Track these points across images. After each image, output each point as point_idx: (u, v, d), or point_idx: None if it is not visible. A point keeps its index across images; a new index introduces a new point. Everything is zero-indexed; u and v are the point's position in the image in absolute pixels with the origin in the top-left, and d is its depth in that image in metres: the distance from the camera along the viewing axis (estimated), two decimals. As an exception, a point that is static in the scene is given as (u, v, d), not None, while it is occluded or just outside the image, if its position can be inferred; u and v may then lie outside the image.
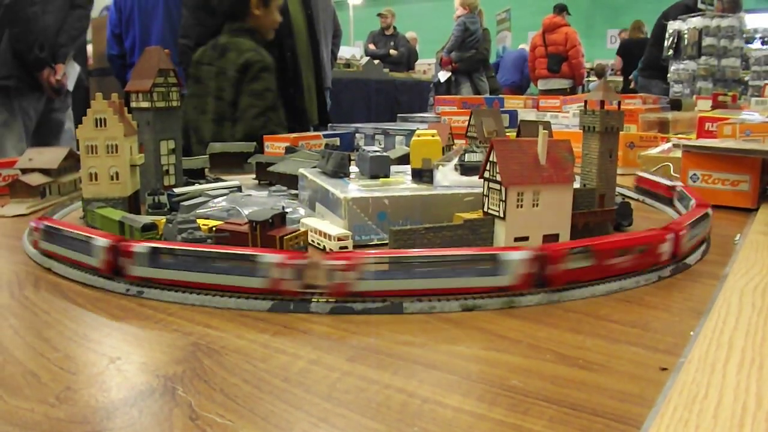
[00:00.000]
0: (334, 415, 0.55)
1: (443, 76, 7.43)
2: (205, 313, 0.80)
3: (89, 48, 5.25)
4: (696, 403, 0.53)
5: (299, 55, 3.07)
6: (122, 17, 3.88)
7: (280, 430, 0.53)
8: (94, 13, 4.78)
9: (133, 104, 1.39)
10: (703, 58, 4.38)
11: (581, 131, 1.09)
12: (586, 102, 1.06)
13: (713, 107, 3.01)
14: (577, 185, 1.05)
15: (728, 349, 0.65)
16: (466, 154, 1.24)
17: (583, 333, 0.73)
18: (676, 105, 3.41)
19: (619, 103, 1.04)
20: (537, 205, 0.97)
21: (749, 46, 4.41)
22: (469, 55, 7.36)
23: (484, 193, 1.00)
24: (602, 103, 1.02)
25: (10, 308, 0.82)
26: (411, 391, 0.59)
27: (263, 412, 0.56)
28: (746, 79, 4.38)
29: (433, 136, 1.28)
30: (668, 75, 4.72)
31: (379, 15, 9.24)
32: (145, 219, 1.04)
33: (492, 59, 8.04)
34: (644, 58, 5.65)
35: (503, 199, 0.95)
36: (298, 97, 3.04)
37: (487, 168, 0.98)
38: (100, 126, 1.17)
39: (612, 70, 9.46)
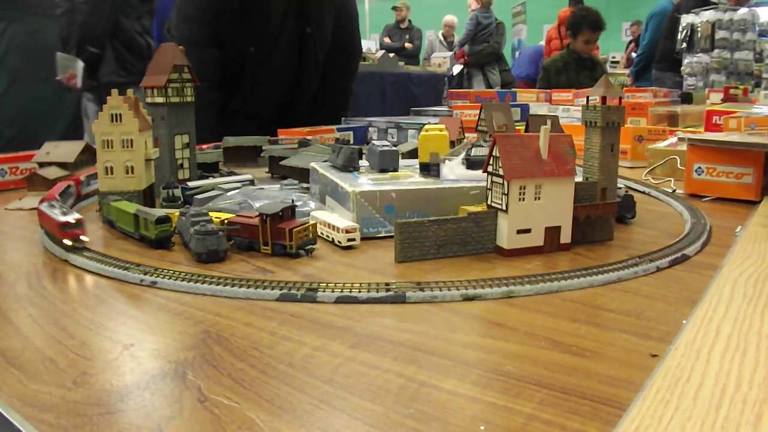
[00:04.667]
0: (334, 398, 0.58)
1: (456, 69, 7.47)
2: (216, 302, 0.83)
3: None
4: (678, 386, 0.55)
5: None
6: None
7: (284, 411, 0.56)
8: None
9: (148, 99, 1.42)
10: (716, 51, 4.36)
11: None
12: (587, 98, 1.08)
13: (724, 100, 3.00)
14: (579, 179, 1.07)
15: (715, 336, 0.67)
16: (473, 149, 1.26)
17: (579, 321, 0.75)
18: (686, 98, 3.40)
19: (620, 99, 1.06)
20: (539, 198, 0.99)
21: (762, 39, 4.38)
22: (480, 49, 7.39)
23: (488, 187, 1.03)
24: (604, 98, 1.04)
25: (29, 298, 0.86)
26: (409, 376, 0.62)
27: (268, 394, 0.59)
28: (760, 72, 4.35)
29: (440, 131, 1.30)
30: (682, 68, 4.71)
31: (394, 8, 9.24)
32: (160, 212, 1.07)
33: (507, 52, 8.03)
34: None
35: (506, 192, 0.97)
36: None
37: (491, 162, 1.01)
38: (116, 121, 1.20)
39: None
